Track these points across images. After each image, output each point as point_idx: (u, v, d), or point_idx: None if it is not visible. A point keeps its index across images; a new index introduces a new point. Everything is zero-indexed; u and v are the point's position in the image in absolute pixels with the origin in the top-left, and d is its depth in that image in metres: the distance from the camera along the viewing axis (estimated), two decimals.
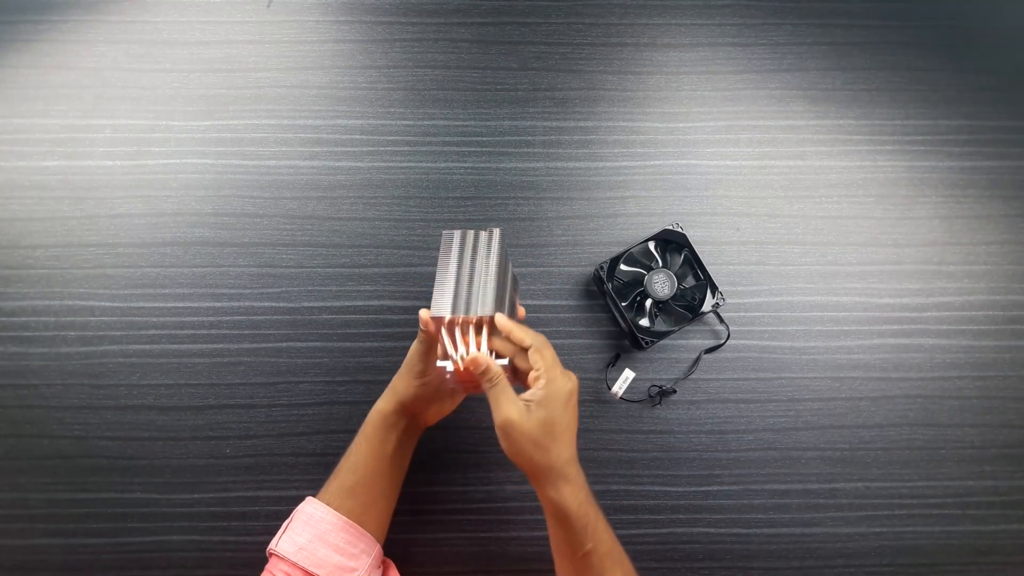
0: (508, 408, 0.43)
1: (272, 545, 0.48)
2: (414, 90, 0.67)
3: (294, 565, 0.46)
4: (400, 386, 0.51)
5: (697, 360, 0.63)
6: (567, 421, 0.45)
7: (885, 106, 0.68)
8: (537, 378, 0.45)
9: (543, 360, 0.45)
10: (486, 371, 0.44)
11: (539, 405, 0.44)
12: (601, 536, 0.46)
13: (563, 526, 0.46)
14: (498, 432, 0.44)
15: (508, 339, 0.46)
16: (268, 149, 0.65)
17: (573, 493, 0.45)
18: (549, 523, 0.48)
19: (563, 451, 0.45)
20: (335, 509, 0.49)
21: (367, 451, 0.51)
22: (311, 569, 0.46)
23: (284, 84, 0.66)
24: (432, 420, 0.55)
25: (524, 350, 0.46)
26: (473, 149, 0.66)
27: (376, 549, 0.50)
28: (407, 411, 0.52)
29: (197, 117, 0.66)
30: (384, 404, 0.52)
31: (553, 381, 0.44)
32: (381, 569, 0.52)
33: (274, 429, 0.61)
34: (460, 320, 0.45)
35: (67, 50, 0.66)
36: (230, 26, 0.68)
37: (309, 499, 0.50)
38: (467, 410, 0.61)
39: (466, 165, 0.66)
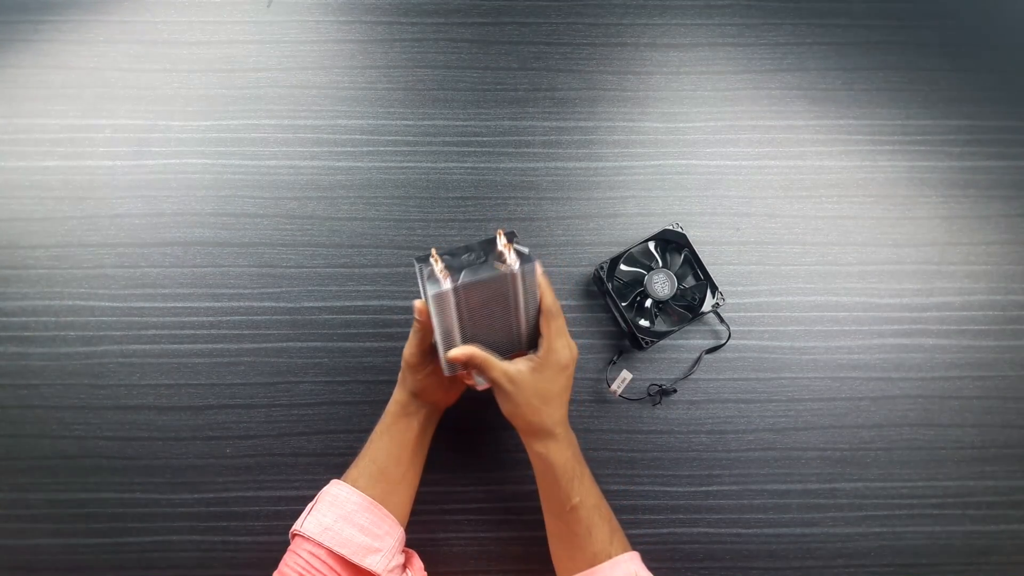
0: (512, 365, 0.47)
1: (297, 526, 0.48)
2: (414, 90, 0.67)
3: (319, 545, 0.47)
4: (408, 380, 0.52)
5: (698, 360, 0.63)
6: (560, 387, 0.48)
7: (885, 106, 0.68)
8: (540, 344, 0.48)
9: (549, 328, 0.48)
10: (482, 363, 0.47)
11: (536, 368, 0.47)
12: (587, 491, 0.50)
13: (550, 480, 0.49)
14: (498, 390, 0.48)
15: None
16: (268, 149, 0.65)
17: (559, 450, 0.49)
18: (538, 479, 0.51)
19: (553, 413, 0.48)
20: None
21: (387, 441, 0.52)
22: (336, 549, 0.46)
23: (284, 84, 0.66)
24: (451, 400, 0.56)
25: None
26: (473, 149, 0.66)
27: (399, 532, 0.51)
28: (423, 399, 0.53)
29: (197, 117, 0.66)
30: (400, 395, 0.53)
31: (554, 351, 0.47)
32: (404, 556, 0.52)
33: (274, 429, 0.61)
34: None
35: (67, 50, 0.66)
36: (230, 26, 0.68)
37: (335, 481, 0.51)
38: (467, 411, 0.61)
39: (466, 165, 0.66)
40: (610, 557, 0.48)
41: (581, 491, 0.49)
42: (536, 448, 0.49)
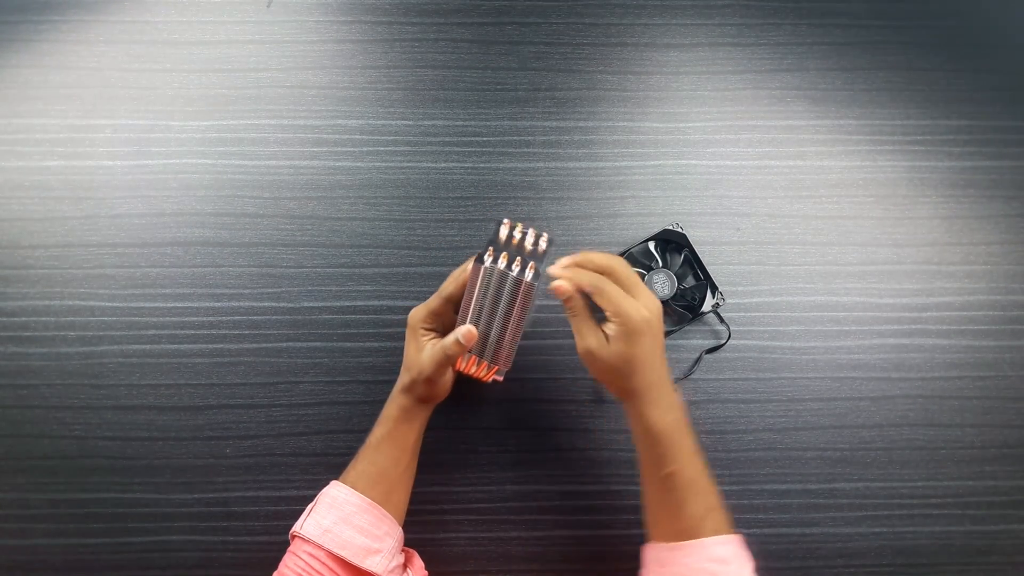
0: (589, 338, 0.48)
1: (296, 528, 0.48)
2: (414, 90, 0.67)
3: (319, 547, 0.47)
4: (417, 389, 0.52)
5: (698, 360, 0.63)
6: (646, 351, 0.47)
7: (885, 106, 0.68)
8: (608, 320, 0.47)
9: (608, 302, 0.46)
10: (570, 298, 0.47)
11: (615, 340, 0.46)
12: (687, 462, 0.47)
13: (646, 444, 0.48)
14: (581, 359, 0.49)
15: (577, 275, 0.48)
16: (268, 149, 0.65)
17: (660, 415, 0.47)
18: (636, 442, 0.50)
19: (645, 377, 0.47)
20: None
21: (389, 445, 0.52)
22: (336, 551, 0.46)
23: (284, 84, 0.67)
24: (443, 395, 0.55)
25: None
26: (473, 149, 0.66)
27: (398, 532, 0.51)
28: (429, 401, 0.53)
29: (197, 117, 0.66)
30: (405, 400, 0.52)
31: (624, 322, 0.46)
32: (404, 555, 0.52)
33: (274, 429, 0.61)
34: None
35: (67, 50, 0.66)
36: (230, 26, 0.68)
37: (334, 482, 0.51)
38: (466, 410, 0.61)
39: (466, 165, 0.66)
40: (699, 536, 0.46)
41: (680, 460, 0.47)
42: (637, 410, 0.48)
